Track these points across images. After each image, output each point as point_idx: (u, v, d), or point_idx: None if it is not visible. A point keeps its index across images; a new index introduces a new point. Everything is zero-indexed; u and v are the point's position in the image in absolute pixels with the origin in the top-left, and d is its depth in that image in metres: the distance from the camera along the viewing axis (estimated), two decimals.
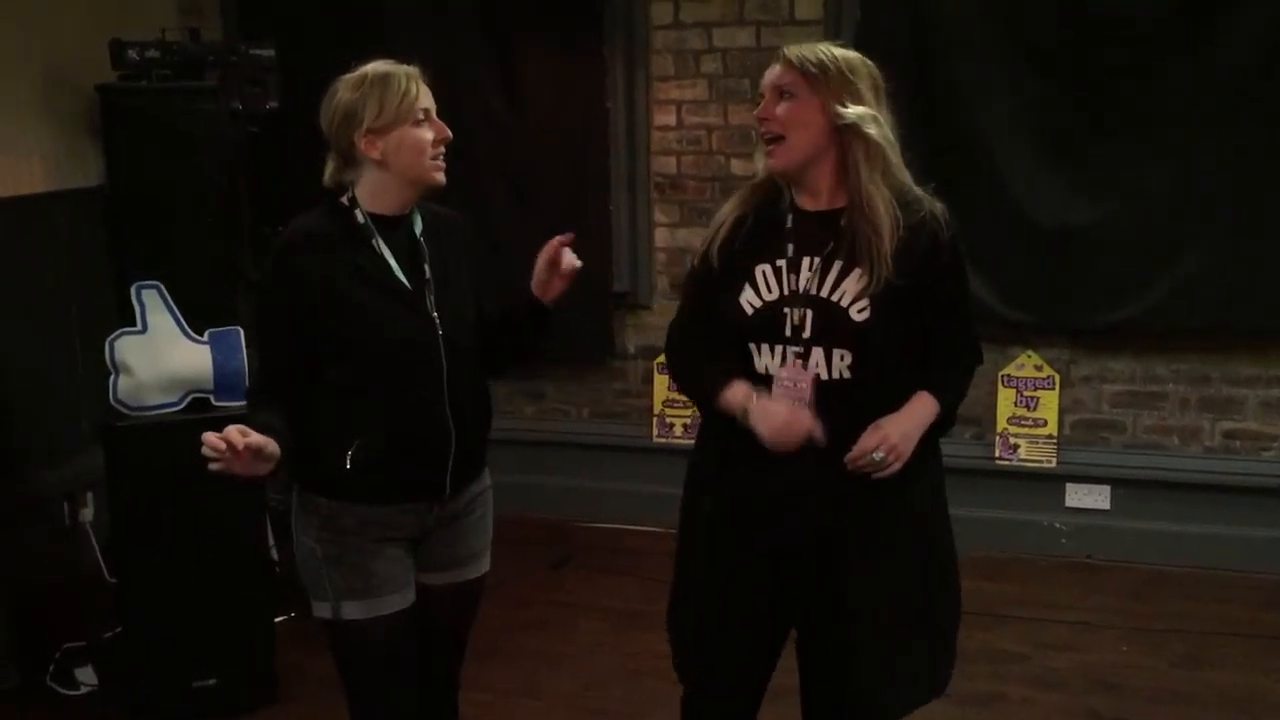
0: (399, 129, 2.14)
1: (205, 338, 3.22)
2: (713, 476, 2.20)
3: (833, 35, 4.17)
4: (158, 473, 3.15)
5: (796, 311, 2.05)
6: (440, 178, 2.21)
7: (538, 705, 3.37)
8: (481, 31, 4.43)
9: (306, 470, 2.23)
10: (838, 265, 2.04)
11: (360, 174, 2.20)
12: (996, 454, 4.27)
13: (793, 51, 2.07)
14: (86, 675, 3.45)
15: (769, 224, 2.12)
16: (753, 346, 2.10)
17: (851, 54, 2.08)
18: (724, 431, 2.11)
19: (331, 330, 2.15)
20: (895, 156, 2.06)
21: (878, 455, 2.00)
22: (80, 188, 4.08)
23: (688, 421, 4.58)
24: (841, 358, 2.03)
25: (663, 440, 4.62)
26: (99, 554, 3.97)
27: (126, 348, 3.16)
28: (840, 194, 2.07)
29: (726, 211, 2.18)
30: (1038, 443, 4.23)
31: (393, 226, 2.22)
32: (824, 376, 2.04)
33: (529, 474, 4.74)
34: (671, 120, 4.45)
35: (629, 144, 4.50)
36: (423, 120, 2.17)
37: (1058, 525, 4.27)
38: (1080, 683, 3.41)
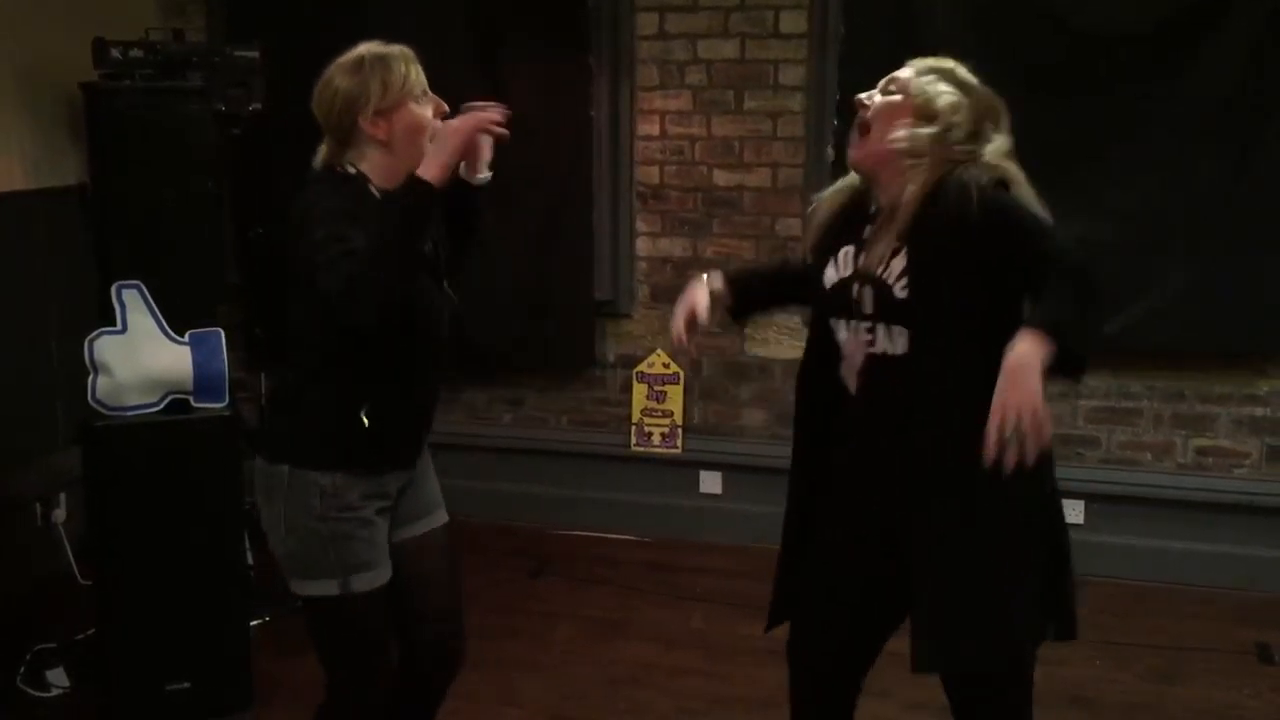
0: (403, 107, 2.21)
1: (186, 339, 3.20)
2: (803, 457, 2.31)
3: (818, 50, 4.21)
4: (135, 474, 3.12)
5: (859, 289, 2.13)
6: None
7: (515, 714, 3.36)
8: (467, 38, 4.43)
9: (306, 446, 2.22)
10: (895, 246, 2.08)
11: (362, 154, 2.23)
12: None
13: (916, 61, 2.20)
14: (58, 677, 3.42)
15: (857, 212, 2.21)
16: (831, 321, 2.20)
17: (954, 83, 2.16)
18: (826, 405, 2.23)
19: None
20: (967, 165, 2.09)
21: (1009, 432, 1.80)
22: (60, 186, 4.05)
23: (666, 430, 4.59)
24: (899, 333, 2.09)
25: (641, 449, 4.63)
26: (71, 555, 3.95)
27: (106, 348, 3.14)
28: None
29: (824, 208, 2.28)
30: None
31: None
32: (886, 351, 2.10)
33: (507, 482, 4.75)
34: (655, 130, 4.47)
35: (612, 153, 4.52)
36: (422, 96, 2.25)
37: None
38: (1052, 696, 3.42)
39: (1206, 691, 3.46)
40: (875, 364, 2.12)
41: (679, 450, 4.59)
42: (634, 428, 4.64)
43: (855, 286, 2.13)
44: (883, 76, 2.26)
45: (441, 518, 2.47)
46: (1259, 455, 4.13)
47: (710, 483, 4.60)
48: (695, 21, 4.36)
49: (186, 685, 3.20)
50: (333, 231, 2.05)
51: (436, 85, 2.30)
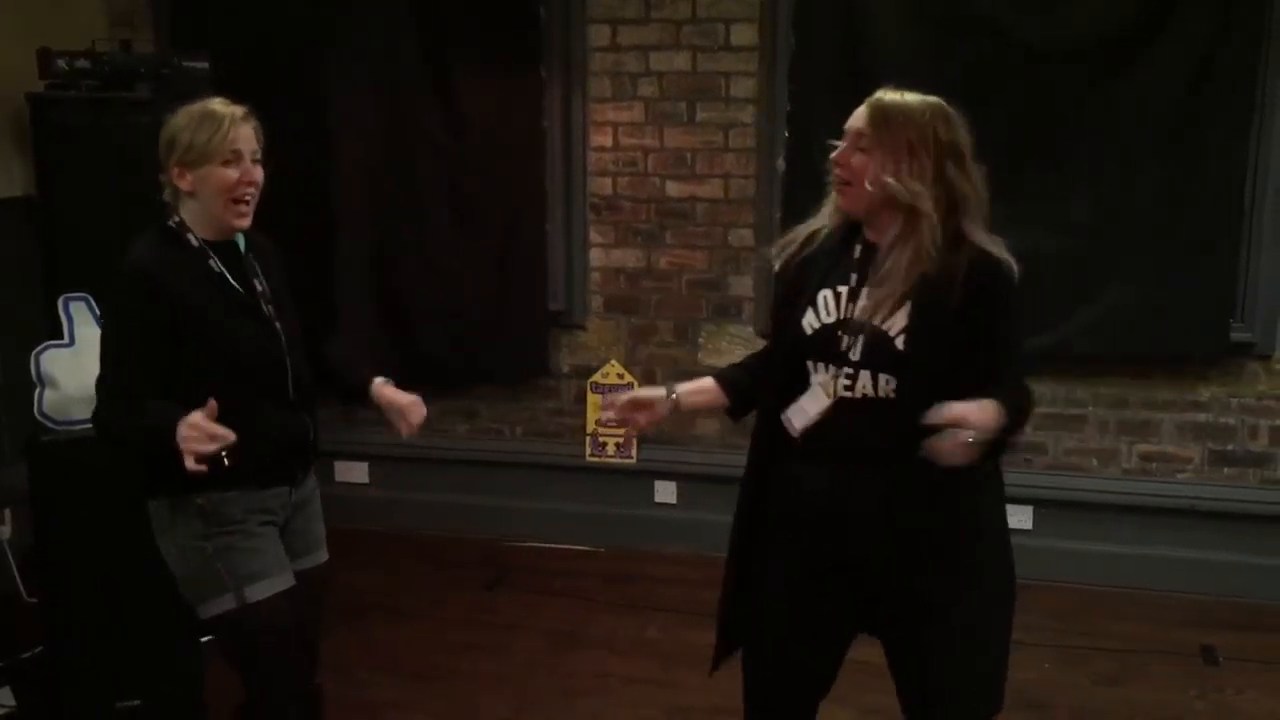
0: (206, 165, 2.27)
1: None
2: (772, 488, 2.28)
3: (769, 63, 4.25)
4: (83, 488, 3.09)
5: (849, 337, 2.14)
6: (239, 223, 2.34)
7: None
8: (419, 50, 4.41)
9: (174, 476, 2.20)
10: (897, 299, 2.11)
11: (180, 200, 2.32)
12: None
13: (873, 102, 2.16)
14: (4, 696, 3.36)
15: (839, 250, 2.21)
16: (809, 363, 2.20)
17: (927, 109, 2.17)
18: (776, 443, 2.23)
19: (190, 346, 2.24)
20: (961, 207, 2.14)
21: (969, 437, 1.94)
22: (6, 198, 3.99)
23: (620, 441, 4.60)
24: (887, 381, 2.12)
25: (596, 459, 4.63)
26: (16, 572, 3.88)
27: (53, 361, 3.10)
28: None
29: (803, 229, 2.28)
30: None
31: (222, 248, 2.35)
32: (871, 395, 2.12)
33: (462, 494, 4.74)
34: (608, 141, 4.49)
35: (566, 164, 4.52)
36: (231, 161, 2.28)
37: None
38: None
39: (1154, 694, 3.52)
40: (872, 406, 2.13)
41: (633, 460, 4.61)
42: (588, 438, 4.65)
43: (844, 335, 2.15)
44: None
45: (321, 556, 2.54)
46: (1201, 460, 4.22)
47: (665, 492, 4.62)
48: (647, 34, 4.38)
49: (137, 703, 3.17)
50: (112, 350, 2.26)
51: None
